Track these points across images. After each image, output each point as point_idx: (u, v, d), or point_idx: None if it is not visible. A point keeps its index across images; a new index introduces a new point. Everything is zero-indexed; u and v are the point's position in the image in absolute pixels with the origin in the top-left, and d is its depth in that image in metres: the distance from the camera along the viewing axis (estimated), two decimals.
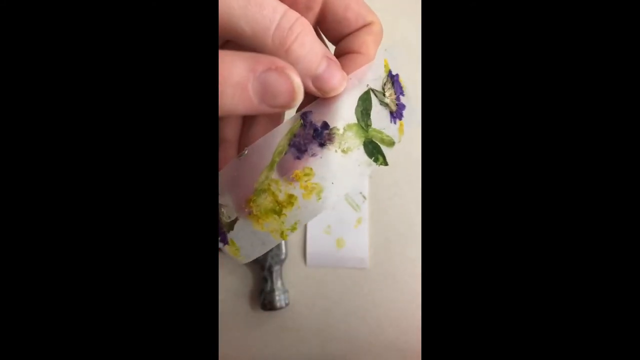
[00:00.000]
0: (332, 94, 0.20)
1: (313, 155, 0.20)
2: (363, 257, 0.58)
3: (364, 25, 0.22)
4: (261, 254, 0.22)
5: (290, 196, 0.20)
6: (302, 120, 0.21)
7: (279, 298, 0.56)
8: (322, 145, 0.20)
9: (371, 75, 0.22)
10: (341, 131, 0.20)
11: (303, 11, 0.21)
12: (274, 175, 0.21)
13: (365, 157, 0.21)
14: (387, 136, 0.22)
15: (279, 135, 0.21)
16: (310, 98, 0.21)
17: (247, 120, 0.23)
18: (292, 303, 0.58)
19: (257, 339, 0.58)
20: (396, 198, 0.59)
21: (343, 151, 0.20)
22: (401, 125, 0.23)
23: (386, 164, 0.21)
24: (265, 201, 0.21)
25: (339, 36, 0.22)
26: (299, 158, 0.20)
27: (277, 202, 0.20)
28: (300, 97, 0.18)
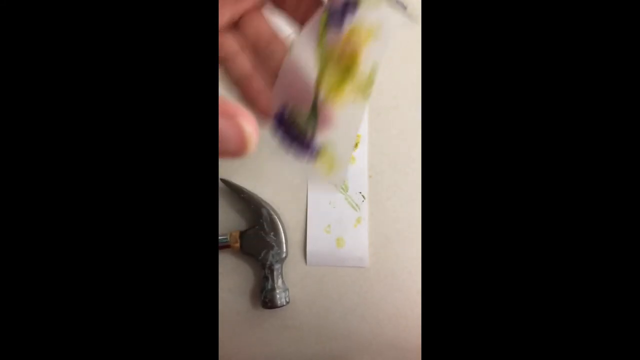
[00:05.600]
0: None
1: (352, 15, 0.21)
2: (363, 256, 0.59)
3: None
4: (356, 134, 0.22)
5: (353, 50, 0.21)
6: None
7: (280, 296, 0.56)
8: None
9: None
10: None
11: None
12: (326, 40, 0.22)
13: None
14: None
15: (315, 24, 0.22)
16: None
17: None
18: (293, 301, 0.58)
19: (258, 337, 0.58)
20: (396, 198, 0.59)
21: None
22: None
23: None
24: (335, 71, 0.22)
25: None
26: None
27: (346, 67, 0.22)
28: (251, 146, 0.18)
